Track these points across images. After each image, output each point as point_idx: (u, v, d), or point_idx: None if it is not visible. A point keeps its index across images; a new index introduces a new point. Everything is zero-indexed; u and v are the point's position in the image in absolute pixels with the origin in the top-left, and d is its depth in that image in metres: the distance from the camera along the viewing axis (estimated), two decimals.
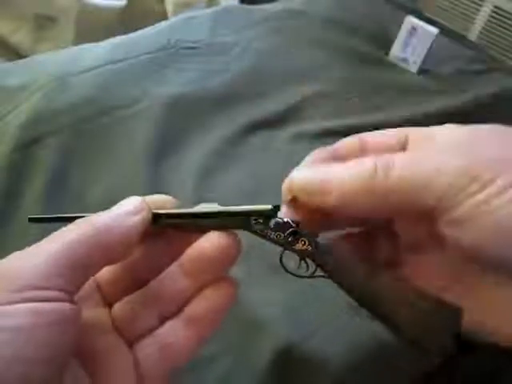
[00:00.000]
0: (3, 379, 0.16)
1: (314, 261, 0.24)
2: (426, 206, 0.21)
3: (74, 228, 0.20)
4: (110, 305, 0.24)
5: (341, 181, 0.22)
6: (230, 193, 0.52)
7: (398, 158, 0.22)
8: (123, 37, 0.74)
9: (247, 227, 0.23)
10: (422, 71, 0.82)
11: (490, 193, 0.20)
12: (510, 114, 0.74)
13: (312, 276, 0.24)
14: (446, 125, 0.24)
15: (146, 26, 0.78)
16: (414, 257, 0.25)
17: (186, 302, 0.24)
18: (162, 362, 0.23)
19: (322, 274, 0.24)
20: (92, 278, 0.23)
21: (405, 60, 0.82)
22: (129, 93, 0.62)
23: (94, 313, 0.23)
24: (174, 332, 0.23)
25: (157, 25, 0.79)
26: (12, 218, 0.47)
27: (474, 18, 1.16)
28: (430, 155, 0.22)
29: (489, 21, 1.13)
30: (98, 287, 0.24)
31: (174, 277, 0.24)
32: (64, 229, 0.21)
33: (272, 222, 0.23)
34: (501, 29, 1.12)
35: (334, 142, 0.26)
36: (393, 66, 0.82)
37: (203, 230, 0.23)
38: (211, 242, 0.23)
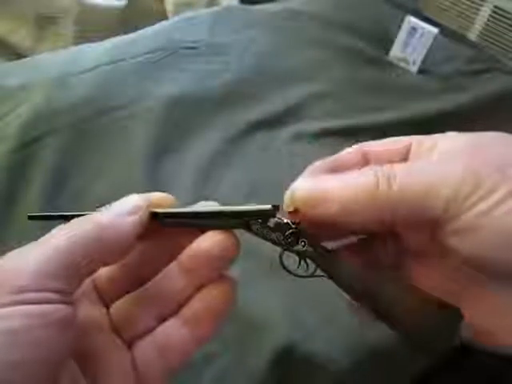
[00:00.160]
0: None
1: (313, 261, 0.24)
2: (428, 216, 0.21)
3: (70, 228, 0.20)
4: (107, 305, 0.24)
5: (342, 192, 0.22)
6: (230, 192, 0.52)
7: (399, 168, 0.22)
8: (123, 37, 0.74)
9: (247, 227, 0.23)
10: (422, 71, 0.82)
11: (491, 202, 0.20)
12: (510, 113, 0.74)
13: (312, 276, 0.24)
14: (448, 133, 0.24)
15: (145, 26, 0.78)
16: (416, 262, 0.25)
17: (185, 301, 0.23)
18: (161, 362, 0.23)
19: (321, 273, 0.24)
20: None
21: (405, 60, 0.82)
22: (128, 93, 0.62)
23: (90, 313, 0.23)
24: (172, 332, 0.23)
25: (157, 25, 0.79)
26: (12, 217, 0.47)
27: (474, 18, 1.16)
28: (432, 164, 0.22)
29: (489, 21, 1.13)
30: (95, 287, 0.24)
31: (172, 276, 0.23)
32: (60, 229, 0.21)
33: (272, 223, 0.23)
34: (501, 29, 1.11)
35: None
36: (393, 65, 0.83)
37: (202, 230, 0.23)
38: (210, 239, 0.22)
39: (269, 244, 0.24)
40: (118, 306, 0.24)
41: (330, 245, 0.25)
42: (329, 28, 0.85)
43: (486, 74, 0.83)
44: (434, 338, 0.23)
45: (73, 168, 0.52)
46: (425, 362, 0.38)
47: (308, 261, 0.24)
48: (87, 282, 0.23)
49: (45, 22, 1.15)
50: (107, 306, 0.24)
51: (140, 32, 0.76)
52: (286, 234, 0.23)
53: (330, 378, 0.37)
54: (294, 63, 0.75)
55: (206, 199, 0.25)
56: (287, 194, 0.24)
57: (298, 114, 0.66)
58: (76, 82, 0.61)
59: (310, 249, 0.23)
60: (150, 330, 0.23)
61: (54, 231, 0.21)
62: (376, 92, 0.73)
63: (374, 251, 0.27)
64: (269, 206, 0.23)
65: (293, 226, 0.23)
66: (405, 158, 0.25)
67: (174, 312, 0.23)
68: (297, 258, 0.24)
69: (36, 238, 0.20)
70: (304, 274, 0.24)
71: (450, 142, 0.23)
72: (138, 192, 0.23)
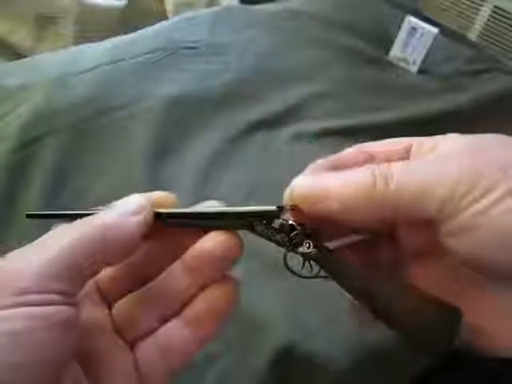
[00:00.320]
0: None
1: (318, 262, 0.24)
2: (425, 215, 0.21)
3: (73, 229, 0.20)
4: (109, 305, 0.24)
5: (340, 189, 0.22)
6: (230, 192, 0.52)
7: (397, 167, 0.22)
8: (123, 37, 0.74)
9: (250, 228, 0.23)
10: (422, 71, 0.82)
11: (488, 202, 0.19)
12: (511, 114, 0.74)
13: (316, 277, 0.24)
14: (449, 134, 0.24)
15: (145, 26, 0.78)
16: (416, 263, 0.25)
17: (187, 301, 0.23)
18: (163, 363, 0.23)
19: (325, 274, 0.24)
20: None
21: (405, 60, 0.82)
22: (128, 93, 0.62)
23: (93, 314, 0.23)
24: (174, 333, 0.23)
25: (157, 25, 0.79)
26: (12, 218, 0.47)
27: (474, 18, 1.16)
28: (429, 164, 0.22)
29: (489, 21, 1.13)
30: (97, 287, 0.24)
31: (175, 276, 0.23)
32: (63, 229, 0.21)
33: (276, 224, 0.23)
34: (501, 29, 1.11)
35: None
36: (393, 65, 0.82)
37: (206, 230, 0.23)
38: (214, 239, 0.22)
39: (269, 244, 0.24)
40: (120, 307, 0.24)
41: (331, 244, 0.25)
42: (329, 28, 0.85)
43: (486, 74, 0.83)
44: (433, 338, 0.23)
45: (73, 168, 0.52)
46: (425, 362, 0.38)
47: (312, 262, 0.24)
48: (90, 282, 0.23)
49: (45, 22, 1.15)
50: (109, 307, 0.24)
51: (140, 32, 0.76)
52: (291, 235, 0.23)
53: (330, 378, 0.37)
54: (294, 63, 0.75)
55: (207, 199, 0.25)
56: (287, 192, 0.24)
57: (298, 114, 0.66)
58: (76, 82, 0.61)
59: (315, 250, 0.23)
60: (152, 331, 0.23)
61: (55, 230, 0.20)
62: (376, 92, 0.73)
63: (374, 251, 0.27)
64: (274, 207, 0.23)
65: (298, 228, 0.23)
66: (405, 159, 0.25)
67: (177, 312, 0.23)
68: (301, 259, 0.24)
69: (36, 238, 0.20)
70: (308, 275, 0.24)
71: (450, 143, 0.23)
72: (138, 192, 0.23)
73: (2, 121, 0.55)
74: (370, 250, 0.27)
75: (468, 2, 1.17)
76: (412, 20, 0.80)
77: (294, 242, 0.23)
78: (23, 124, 0.54)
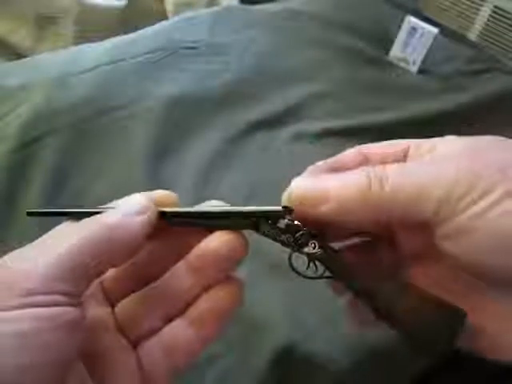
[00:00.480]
0: None
1: (323, 263, 0.24)
2: (420, 217, 0.21)
3: (79, 228, 0.20)
4: (112, 304, 0.24)
5: (337, 191, 0.22)
6: (231, 193, 0.52)
7: (392, 169, 0.22)
8: (123, 37, 0.74)
9: (255, 228, 0.23)
10: (422, 71, 0.82)
11: (486, 204, 0.19)
12: (510, 113, 0.74)
13: (321, 277, 0.24)
14: (447, 136, 0.24)
15: (145, 26, 0.78)
16: (415, 266, 0.25)
17: (191, 302, 0.23)
18: (167, 362, 0.23)
19: (329, 275, 0.24)
20: None
21: (405, 60, 0.82)
22: (128, 93, 0.62)
23: (96, 313, 0.23)
24: (178, 332, 0.23)
25: (157, 25, 0.79)
26: (12, 218, 0.47)
27: (474, 18, 1.16)
28: (425, 165, 0.22)
29: (489, 21, 1.13)
30: (102, 286, 0.24)
31: (179, 275, 0.23)
32: (67, 228, 0.20)
33: (282, 224, 0.23)
34: (501, 29, 1.11)
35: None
36: (393, 65, 0.82)
37: (210, 230, 0.23)
38: (218, 239, 0.22)
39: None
40: (123, 306, 0.24)
41: (334, 245, 0.25)
42: (329, 28, 0.84)
43: (486, 74, 0.83)
44: (434, 337, 0.23)
45: (73, 168, 0.52)
46: (425, 362, 0.38)
47: (316, 262, 0.24)
48: (95, 282, 0.23)
49: (45, 22, 1.15)
50: (112, 306, 0.24)
51: (140, 32, 0.76)
52: (297, 235, 0.23)
53: (330, 378, 0.37)
54: (294, 63, 0.75)
55: (208, 199, 0.25)
56: (285, 194, 0.24)
57: (298, 114, 0.66)
58: (76, 82, 0.61)
59: (320, 250, 0.23)
60: (156, 330, 0.23)
61: (58, 230, 0.20)
62: (376, 92, 0.73)
63: (375, 252, 0.27)
64: (279, 208, 0.23)
65: (303, 228, 0.23)
66: (401, 161, 0.25)
67: (180, 312, 0.23)
68: (305, 260, 0.24)
69: (36, 237, 0.20)
70: (313, 276, 0.24)
71: (448, 145, 0.23)
72: (138, 191, 0.23)
73: (2, 121, 0.55)
74: (371, 251, 0.27)
75: (468, 2, 1.17)
76: (412, 20, 0.80)
77: (300, 242, 0.23)
78: (23, 124, 0.54)
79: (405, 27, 0.81)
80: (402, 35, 0.82)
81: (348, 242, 0.27)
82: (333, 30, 0.84)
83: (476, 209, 0.19)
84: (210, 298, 0.23)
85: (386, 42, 0.84)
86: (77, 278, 0.19)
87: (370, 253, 0.27)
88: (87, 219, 0.21)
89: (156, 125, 0.58)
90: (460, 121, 0.70)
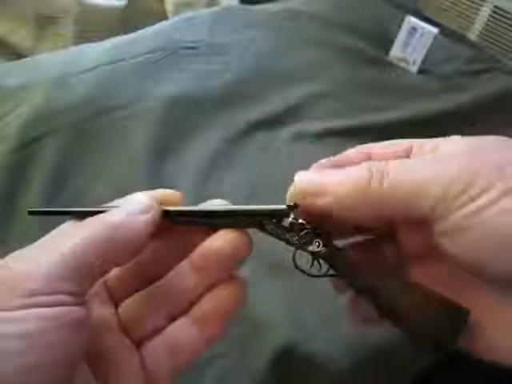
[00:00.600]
0: None
1: (327, 261, 0.24)
2: (418, 214, 0.21)
3: (81, 228, 0.20)
4: (115, 303, 0.24)
5: (337, 185, 0.22)
6: (231, 193, 0.52)
7: (393, 165, 0.22)
8: (123, 37, 0.74)
9: (260, 227, 0.23)
10: (422, 71, 0.82)
11: (482, 203, 0.19)
12: (510, 113, 0.74)
13: (324, 275, 0.24)
14: (451, 136, 0.24)
15: (145, 26, 0.78)
16: (416, 266, 0.25)
17: (195, 301, 0.23)
18: (170, 362, 0.23)
19: (333, 273, 0.24)
20: None
21: (405, 60, 0.82)
22: (128, 93, 0.62)
23: (100, 312, 0.23)
24: (182, 332, 0.23)
25: (157, 25, 0.79)
26: (12, 218, 0.47)
27: (474, 18, 1.16)
28: (425, 163, 0.22)
29: (489, 21, 1.13)
30: (105, 285, 0.24)
31: (183, 273, 0.23)
32: (70, 227, 0.20)
33: (286, 222, 0.23)
34: (501, 29, 1.11)
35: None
36: (393, 65, 0.82)
37: (215, 228, 0.23)
38: (222, 238, 0.22)
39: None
40: (127, 306, 0.24)
41: (337, 244, 0.25)
42: (329, 28, 0.85)
43: (486, 74, 0.83)
44: (437, 335, 0.23)
45: (73, 168, 0.52)
46: (426, 361, 0.38)
47: (321, 261, 0.24)
48: (98, 281, 0.23)
49: (45, 22, 1.15)
50: (115, 305, 0.24)
51: (140, 32, 0.76)
52: (301, 234, 0.23)
53: (330, 378, 0.37)
54: (294, 63, 0.75)
55: (208, 199, 0.25)
56: (291, 187, 0.24)
57: (298, 114, 0.66)
58: (76, 82, 0.61)
59: (325, 249, 0.23)
60: (159, 330, 0.23)
61: (60, 229, 0.20)
62: (376, 92, 0.73)
63: (378, 250, 0.27)
64: (284, 206, 0.23)
65: (307, 226, 0.23)
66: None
67: (184, 311, 0.23)
68: (309, 258, 0.24)
69: (37, 237, 0.20)
70: (317, 274, 0.24)
71: (451, 145, 0.23)
72: (138, 191, 0.23)
73: (2, 121, 0.55)
74: (375, 249, 0.27)
75: (468, 2, 1.17)
76: (412, 20, 0.80)
77: (304, 240, 0.23)
78: (23, 124, 0.54)
79: (405, 27, 0.81)
80: (402, 35, 0.82)
81: (352, 241, 0.27)
82: (333, 29, 0.84)
83: (472, 207, 0.19)
84: (214, 297, 0.23)
85: (386, 42, 0.84)
86: (81, 278, 0.19)
87: (373, 251, 0.27)
88: (90, 218, 0.21)
89: (156, 125, 0.58)
90: (460, 121, 0.70)
